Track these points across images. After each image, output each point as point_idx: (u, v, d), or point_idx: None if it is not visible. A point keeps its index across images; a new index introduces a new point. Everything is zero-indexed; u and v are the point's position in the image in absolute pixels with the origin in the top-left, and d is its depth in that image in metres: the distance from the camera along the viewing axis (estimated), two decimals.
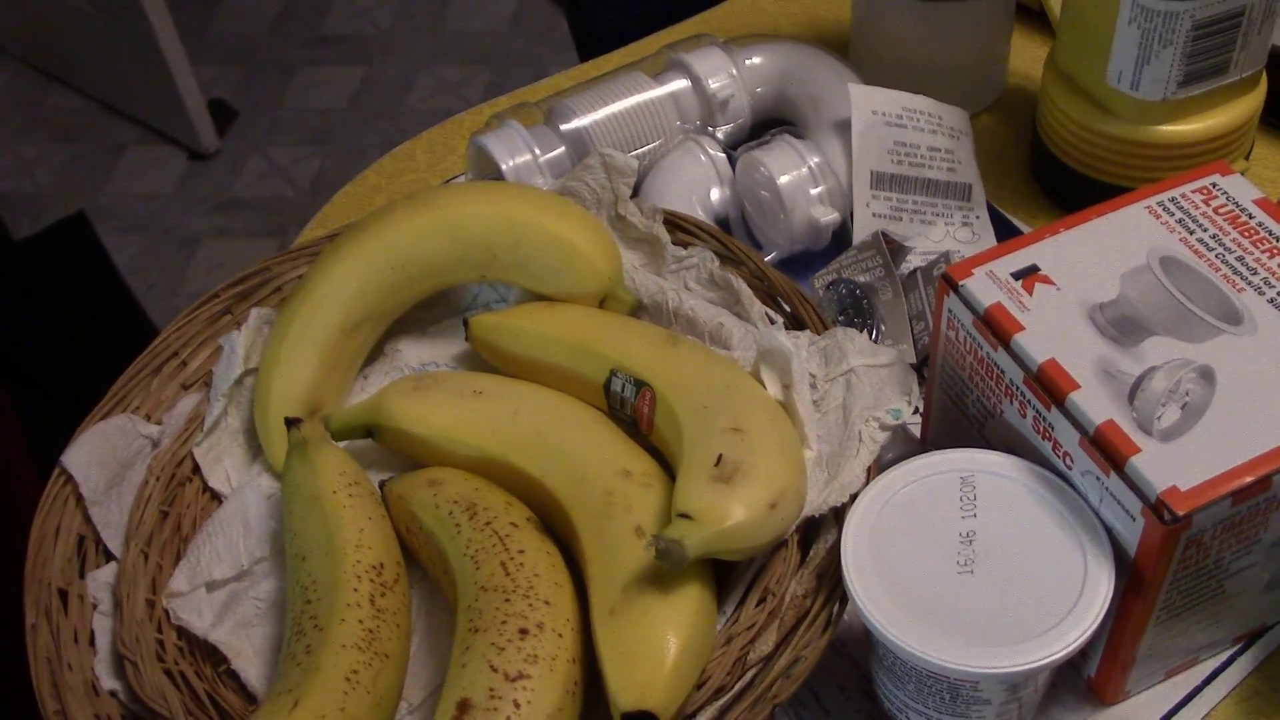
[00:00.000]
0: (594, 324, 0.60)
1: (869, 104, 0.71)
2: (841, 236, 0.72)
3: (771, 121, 0.77)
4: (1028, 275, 0.53)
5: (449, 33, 2.39)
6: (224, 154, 2.22)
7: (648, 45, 0.88)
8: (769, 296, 0.62)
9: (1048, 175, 0.75)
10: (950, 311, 0.54)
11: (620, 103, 0.74)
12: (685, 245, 0.65)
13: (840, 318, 0.66)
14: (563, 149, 0.72)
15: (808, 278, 0.70)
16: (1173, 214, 0.55)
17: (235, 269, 2.04)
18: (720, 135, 0.76)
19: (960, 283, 0.53)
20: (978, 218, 0.73)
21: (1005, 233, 0.73)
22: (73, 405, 0.66)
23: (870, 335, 0.65)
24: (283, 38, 2.42)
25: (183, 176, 2.19)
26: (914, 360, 0.64)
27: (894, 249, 0.68)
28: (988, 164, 0.77)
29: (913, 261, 0.70)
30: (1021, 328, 0.51)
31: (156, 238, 2.08)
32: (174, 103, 2.15)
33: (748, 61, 0.77)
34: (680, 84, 0.75)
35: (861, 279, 0.67)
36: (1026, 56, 0.83)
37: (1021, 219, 0.75)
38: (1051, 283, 0.53)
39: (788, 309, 0.62)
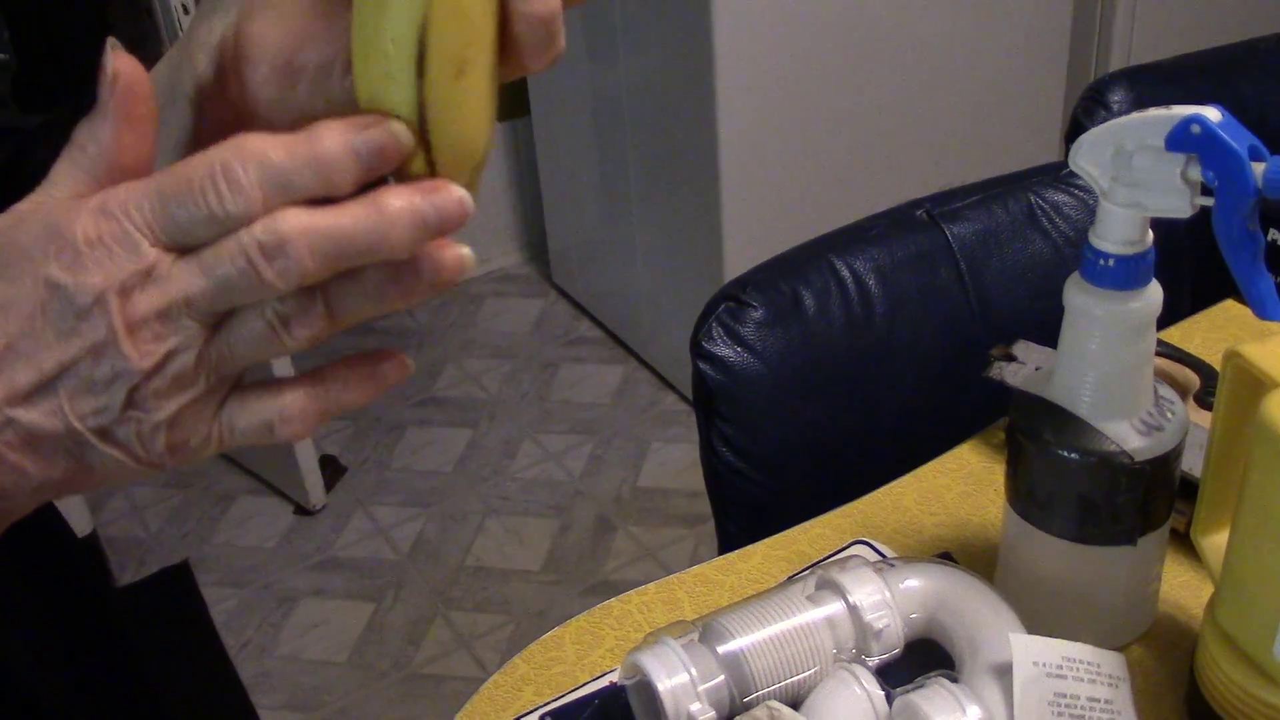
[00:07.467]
0: None
1: (1030, 655, 0.71)
2: None
3: (921, 642, 0.77)
4: None
5: (555, 401, 2.48)
6: (329, 510, 2.27)
7: (791, 538, 0.90)
8: None
9: None
10: None
11: (775, 625, 0.75)
12: None
13: None
14: (721, 678, 0.72)
15: None
16: None
17: (331, 631, 2.07)
18: (873, 663, 0.76)
19: None
20: None
21: None
22: None
23: None
24: (396, 396, 2.52)
25: (287, 531, 2.24)
26: None
27: None
28: (1146, 706, 0.76)
29: None
30: None
31: (255, 593, 2.11)
32: (287, 457, 2.23)
33: (902, 585, 0.78)
34: (835, 607, 0.76)
35: None
36: (1179, 584, 0.84)
37: None
38: None
39: None
